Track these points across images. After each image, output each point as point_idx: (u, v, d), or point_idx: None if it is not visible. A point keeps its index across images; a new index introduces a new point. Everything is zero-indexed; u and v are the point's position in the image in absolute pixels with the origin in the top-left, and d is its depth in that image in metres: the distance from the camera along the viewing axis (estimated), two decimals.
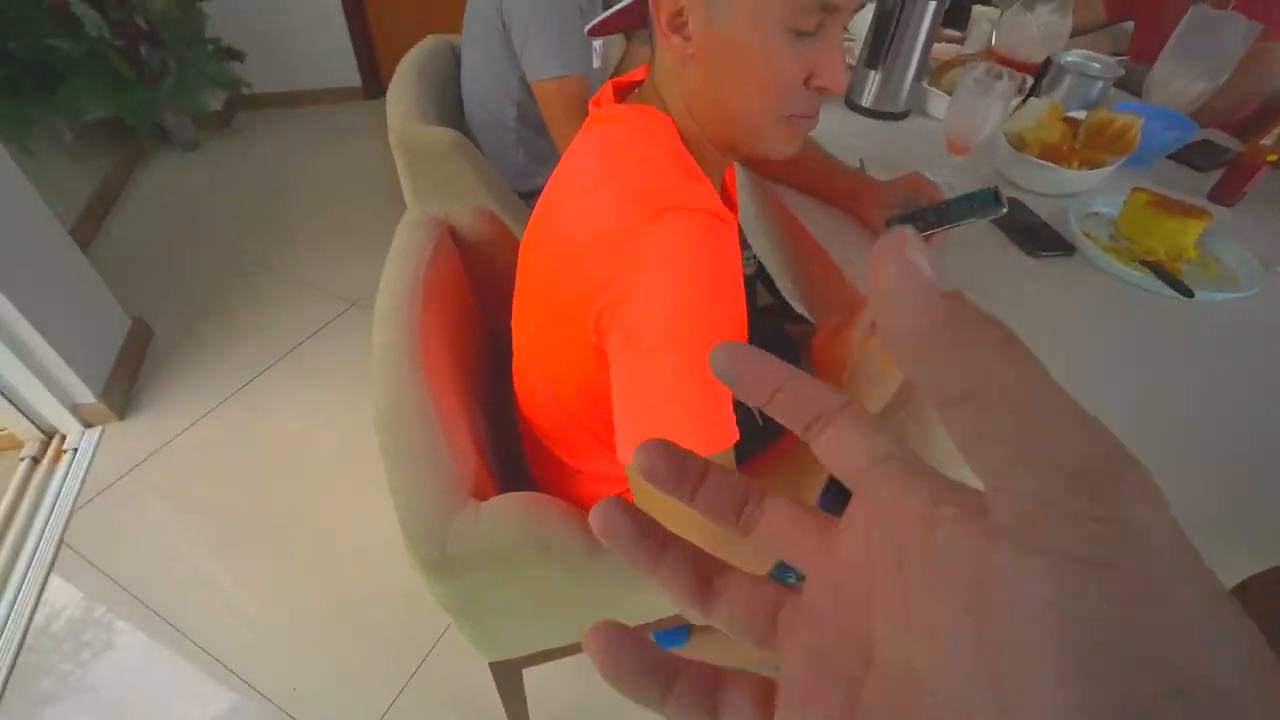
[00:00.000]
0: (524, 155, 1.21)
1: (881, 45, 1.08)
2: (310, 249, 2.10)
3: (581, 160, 0.56)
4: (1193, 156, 1.12)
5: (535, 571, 0.58)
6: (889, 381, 0.58)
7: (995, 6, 1.57)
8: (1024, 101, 1.12)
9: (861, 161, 1.01)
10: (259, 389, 1.67)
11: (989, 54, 1.32)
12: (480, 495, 0.58)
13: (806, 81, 0.49)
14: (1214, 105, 1.17)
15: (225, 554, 1.36)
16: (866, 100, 1.17)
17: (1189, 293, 0.76)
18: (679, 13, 0.49)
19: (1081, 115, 1.04)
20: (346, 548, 1.34)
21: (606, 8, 1.25)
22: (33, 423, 1.53)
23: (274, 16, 2.60)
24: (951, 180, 0.98)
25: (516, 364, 0.70)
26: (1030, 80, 1.21)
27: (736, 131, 0.53)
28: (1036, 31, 1.24)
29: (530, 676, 0.90)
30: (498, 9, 1.05)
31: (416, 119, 1.07)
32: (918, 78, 1.15)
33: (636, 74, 0.61)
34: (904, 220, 0.81)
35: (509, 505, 0.56)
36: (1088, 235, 0.88)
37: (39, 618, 1.24)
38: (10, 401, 1.47)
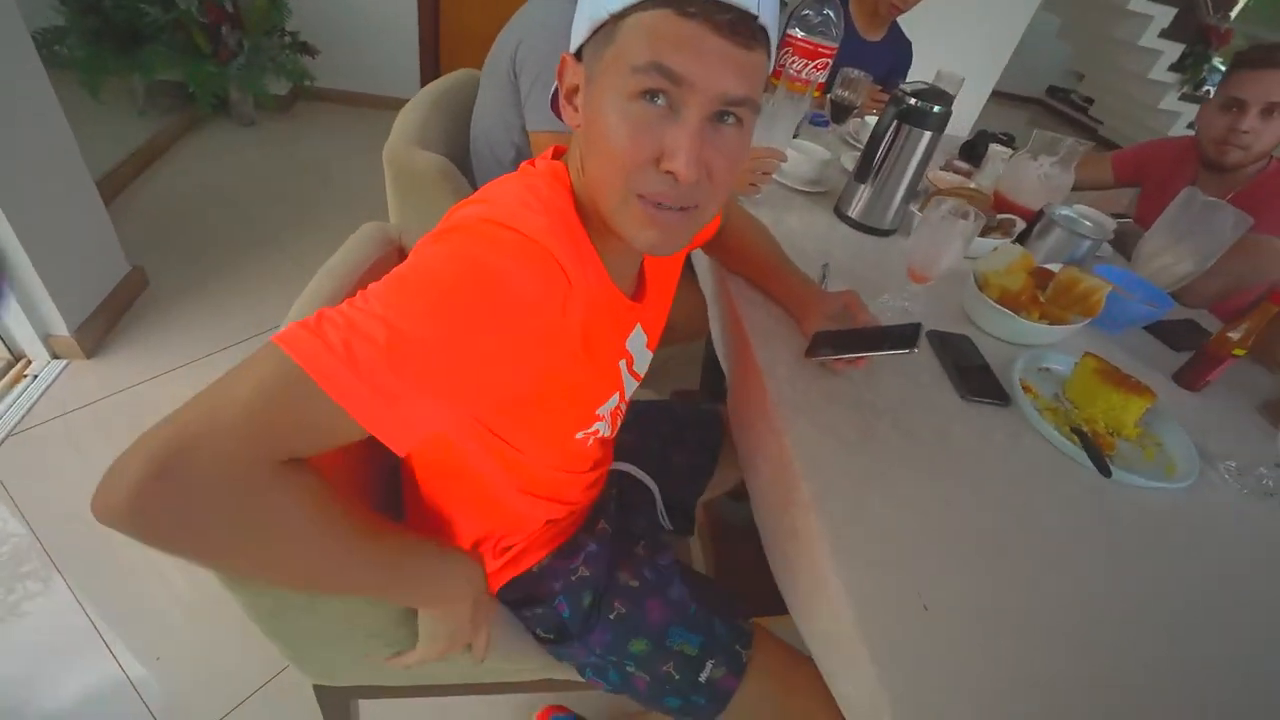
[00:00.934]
0: None
1: (869, 163, 1.09)
2: (324, 240, 2.16)
3: (489, 188, 0.56)
4: (1170, 333, 1.10)
5: None
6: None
7: (1013, 149, 1.60)
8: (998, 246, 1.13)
9: (825, 267, 1.01)
10: (226, 360, 1.70)
11: (994, 194, 1.34)
12: None
13: (658, 163, 0.49)
14: (1199, 288, 1.15)
15: None
16: (853, 211, 1.18)
17: (1106, 471, 0.73)
18: (575, 87, 0.52)
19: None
20: None
21: None
22: (3, 343, 1.56)
23: (354, 21, 2.77)
24: (910, 305, 0.97)
25: None
26: (1022, 225, 1.22)
27: (601, 206, 0.52)
28: (1037, 180, 1.26)
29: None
30: (511, 58, 1.10)
31: (414, 142, 1.11)
32: (906, 200, 1.16)
33: None
34: (829, 338, 0.80)
35: None
36: (1028, 390, 0.86)
37: None
38: None
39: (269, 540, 0.43)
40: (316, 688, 0.76)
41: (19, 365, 1.58)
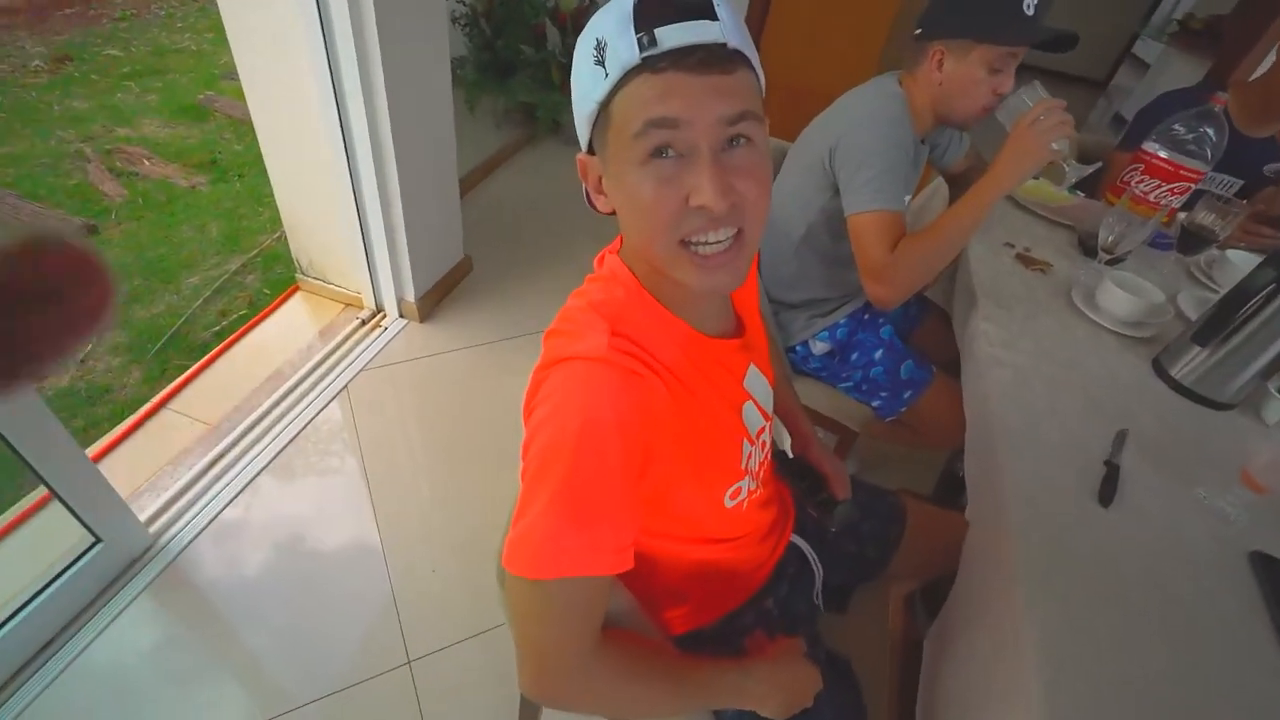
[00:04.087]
0: (794, 268, 1.28)
1: (1219, 328, 0.92)
2: None
3: (567, 306, 0.64)
4: None
5: None
6: None
7: None
8: None
9: (1122, 435, 0.88)
10: (516, 345, 2.03)
11: None
12: None
13: (688, 204, 0.52)
14: None
15: (439, 454, 1.70)
16: (1180, 372, 1.00)
17: None
18: (598, 178, 0.57)
19: None
20: (497, 496, 1.57)
21: (931, 156, 1.26)
22: (375, 296, 2.07)
23: None
24: (1234, 512, 0.80)
25: None
26: None
27: (658, 266, 0.57)
28: None
29: None
30: (828, 152, 1.13)
31: None
32: (1265, 375, 0.95)
33: None
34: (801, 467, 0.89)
35: None
36: None
37: (309, 429, 1.70)
38: (370, 275, 2.01)
39: (618, 700, 0.61)
40: None
41: (378, 316, 2.08)
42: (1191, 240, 1.28)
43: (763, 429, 0.74)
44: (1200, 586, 0.72)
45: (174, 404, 1.72)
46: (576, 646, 0.56)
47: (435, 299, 2.14)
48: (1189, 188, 1.19)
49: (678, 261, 0.55)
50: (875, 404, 1.29)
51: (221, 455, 1.59)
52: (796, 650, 0.74)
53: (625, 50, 0.48)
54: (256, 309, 2.11)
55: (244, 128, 3.14)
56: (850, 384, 1.30)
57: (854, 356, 1.29)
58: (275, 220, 2.36)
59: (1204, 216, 1.27)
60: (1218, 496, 0.81)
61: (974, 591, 0.81)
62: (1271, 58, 1.42)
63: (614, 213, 0.60)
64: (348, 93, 1.59)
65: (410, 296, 2.04)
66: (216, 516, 1.47)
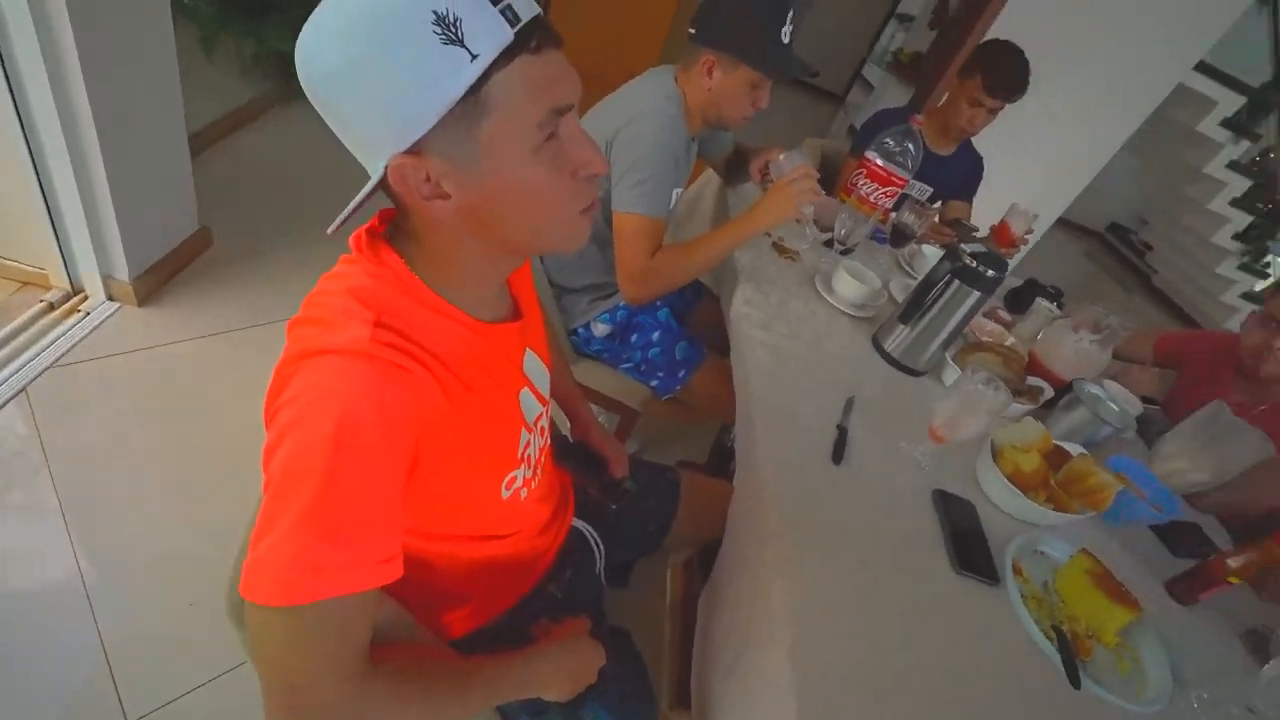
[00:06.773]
0: (575, 253, 1.29)
1: (916, 309, 1.13)
2: None
3: (317, 290, 0.57)
4: (1173, 537, 1.10)
5: None
6: None
7: (1059, 306, 1.62)
8: (1027, 412, 1.15)
9: (850, 403, 1.04)
10: (265, 334, 1.76)
11: (1030, 353, 1.36)
12: None
13: (573, 175, 0.54)
14: (1213, 496, 1.16)
15: (146, 469, 1.40)
16: (890, 346, 1.21)
17: (1076, 683, 0.74)
18: (427, 180, 0.50)
19: (1078, 451, 1.06)
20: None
21: (700, 149, 1.36)
22: (68, 274, 1.64)
23: None
24: (923, 459, 0.99)
25: None
26: (1049, 393, 1.24)
27: (527, 246, 0.58)
28: (1072, 353, 1.28)
29: None
30: (605, 146, 1.15)
31: None
32: (943, 347, 1.19)
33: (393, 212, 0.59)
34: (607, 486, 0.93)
35: None
36: (1019, 572, 0.88)
37: None
38: (60, 247, 1.59)
39: None
40: None
41: (75, 299, 1.66)
42: (899, 235, 1.57)
43: (539, 415, 0.73)
44: (902, 525, 0.89)
45: None
46: (339, 675, 0.50)
47: (160, 278, 1.77)
48: (897, 191, 1.45)
49: (576, 230, 0.57)
50: (653, 383, 1.36)
51: None
52: (582, 630, 0.75)
53: (496, 28, 0.45)
54: None
55: None
56: (630, 364, 1.36)
57: (634, 338, 1.35)
58: None
59: (907, 216, 1.55)
60: (913, 448, 1.00)
61: (736, 552, 0.90)
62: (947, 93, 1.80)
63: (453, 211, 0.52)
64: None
65: (123, 274, 1.66)
66: None
